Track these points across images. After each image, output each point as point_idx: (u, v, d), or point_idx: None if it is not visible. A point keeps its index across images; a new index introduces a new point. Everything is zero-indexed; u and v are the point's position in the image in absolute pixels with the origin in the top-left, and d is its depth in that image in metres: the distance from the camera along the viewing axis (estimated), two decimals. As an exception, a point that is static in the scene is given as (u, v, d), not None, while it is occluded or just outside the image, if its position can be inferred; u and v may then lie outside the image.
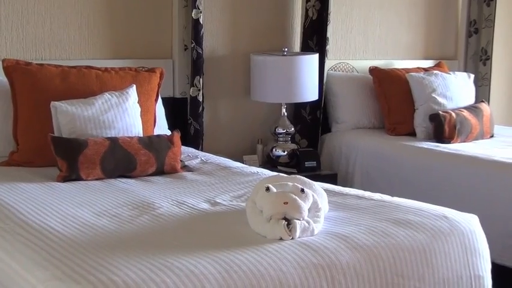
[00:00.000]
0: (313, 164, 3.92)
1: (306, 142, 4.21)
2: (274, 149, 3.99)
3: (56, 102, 2.93)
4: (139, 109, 3.13)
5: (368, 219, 2.18)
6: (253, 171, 2.97)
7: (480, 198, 3.34)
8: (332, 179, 3.83)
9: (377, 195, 2.50)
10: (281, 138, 4.01)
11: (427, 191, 3.53)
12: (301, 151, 3.99)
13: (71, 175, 2.72)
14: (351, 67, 4.49)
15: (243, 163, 3.46)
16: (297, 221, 1.98)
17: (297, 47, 4.24)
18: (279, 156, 3.98)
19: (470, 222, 2.26)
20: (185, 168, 3.02)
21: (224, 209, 2.33)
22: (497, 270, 2.43)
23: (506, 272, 3.16)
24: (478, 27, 4.89)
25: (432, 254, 2.09)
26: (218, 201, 2.43)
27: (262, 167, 3.54)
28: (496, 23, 4.87)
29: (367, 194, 2.53)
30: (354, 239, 2.00)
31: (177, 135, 3.05)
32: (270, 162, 3.99)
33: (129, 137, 2.92)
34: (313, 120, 4.20)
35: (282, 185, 2.12)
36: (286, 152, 3.97)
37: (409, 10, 4.76)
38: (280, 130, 4.00)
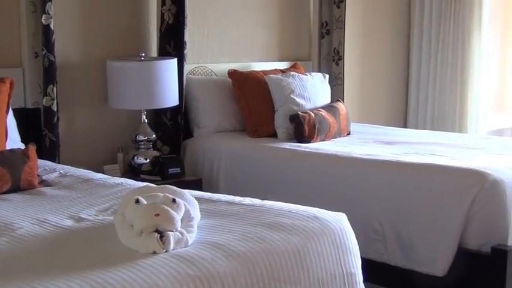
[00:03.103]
0: (177, 170, 3.85)
1: (168, 148, 4.12)
2: (135, 157, 3.88)
3: None
4: (-12, 123, 2.91)
5: (241, 225, 2.15)
6: (117, 182, 2.85)
7: (343, 195, 3.43)
8: (197, 184, 3.79)
9: (248, 200, 2.47)
10: (142, 146, 3.91)
11: (292, 191, 3.57)
12: (164, 158, 3.90)
13: None
14: (210, 70, 4.46)
15: (104, 173, 3.33)
16: (170, 233, 1.91)
17: (154, 51, 4.15)
18: (141, 164, 3.87)
19: (339, 221, 2.30)
20: (43, 183, 2.85)
21: (90, 225, 2.21)
22: (362, 263, 2.49)
23: (371, 265, 3.25)
24: (330, 29, 5.04)
25: (306, 256, 2.10)
26: (83, 216, 2.31)
27: (124, 177, 3.42)
28: (346, 24, 5.04)
29: (238, 199, 2.50)
30: (229, 246, 1.96)
31: (33, 149, 2.87)
32: (132, 171, 3.87)
33: (-21, 153, 2.71)
34: (174, 126, 4.12)
35: (152, 196, 2.04)
36: (148, 160, 3.87)
37: (263, 13, 4.81)
38: (141, 137, 3.89)
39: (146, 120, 3.93)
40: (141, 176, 3.79)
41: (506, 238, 3.03)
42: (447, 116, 5.76)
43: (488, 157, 3.52)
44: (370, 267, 3.13)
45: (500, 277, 2.94)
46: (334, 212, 2.35)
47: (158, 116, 4.11)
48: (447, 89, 5.75)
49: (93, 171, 3.19)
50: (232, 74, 4.28)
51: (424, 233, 3.16)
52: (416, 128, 5.68)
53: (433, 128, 5.61)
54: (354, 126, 4.48)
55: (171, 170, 3.83)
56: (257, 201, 2.46)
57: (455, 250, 3.06)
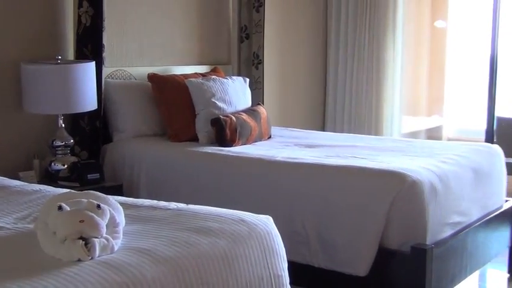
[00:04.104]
0: (96, 176, 3.75)
1: (87, 154, 4.02)
2: (52, 163, 3.76)
3: None
4: None
5: (168, 229, 2.12)
6: (35, 189, 2.76)
7: (266, 198, 3.43)
8: (117, 190, 3.71)
9: (172, 205, 2.44)
10: (59, 151, 3.79)
11: (215, 195, 3.55)
12: (82, 163, 3.80)
13: None
14: (129, 74, 4.39)
15: (20, 180, 3.21)
16: (95, 239, 1.86)
17: (71, 54, 4.04)
18: (58, 171, 3.75)
19: (266, 224, 2.30)
20: (-44, 191, 2.72)
21: (10, 233, 2.12)
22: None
23: (295, 267, 3.27)
24: (249, 33, 5.05)
25: (234, 259, 2.09)
26: (1, 225, 2.22)
27: (41, 183, 3.31)
28: (266, 28, 5.07)
29: (162, 203, 2.46)
30: (157, 251, 1.93)
31: None
32: (49, 178, 3.75)
33: None
34: (92, 131, 4.02)
35: (76, 202, 1.98)
36: (66, 166, 3.76)
37: (183, 16, 4.77)
38: (58, 143, 3.78)
39: (63, 125, 3.82)
40: (59, 182, 3.68)
41: (424, 237, 3.11)
42: (363, 119, 5.88)
43: (405, 159, 3.60)
44: (294, 270, 3.15)
45: (419, 275, 3.01)
46: (260, 215, 2.34)
47: (76, 121, 4.00)
48: (363, 92, 5.86)
49: (9, 178, 3.07)
50: (152, 77, 4.22)
51: (345, 233, 3.20)
52: (334, 130, 5.77)
53: (350, 131, 5.71)
54: (274, 130, 4.51)
55: (90, 176, 3.73)
56: (182, 206, 2.43)
57: (376, 250, 3.12)
